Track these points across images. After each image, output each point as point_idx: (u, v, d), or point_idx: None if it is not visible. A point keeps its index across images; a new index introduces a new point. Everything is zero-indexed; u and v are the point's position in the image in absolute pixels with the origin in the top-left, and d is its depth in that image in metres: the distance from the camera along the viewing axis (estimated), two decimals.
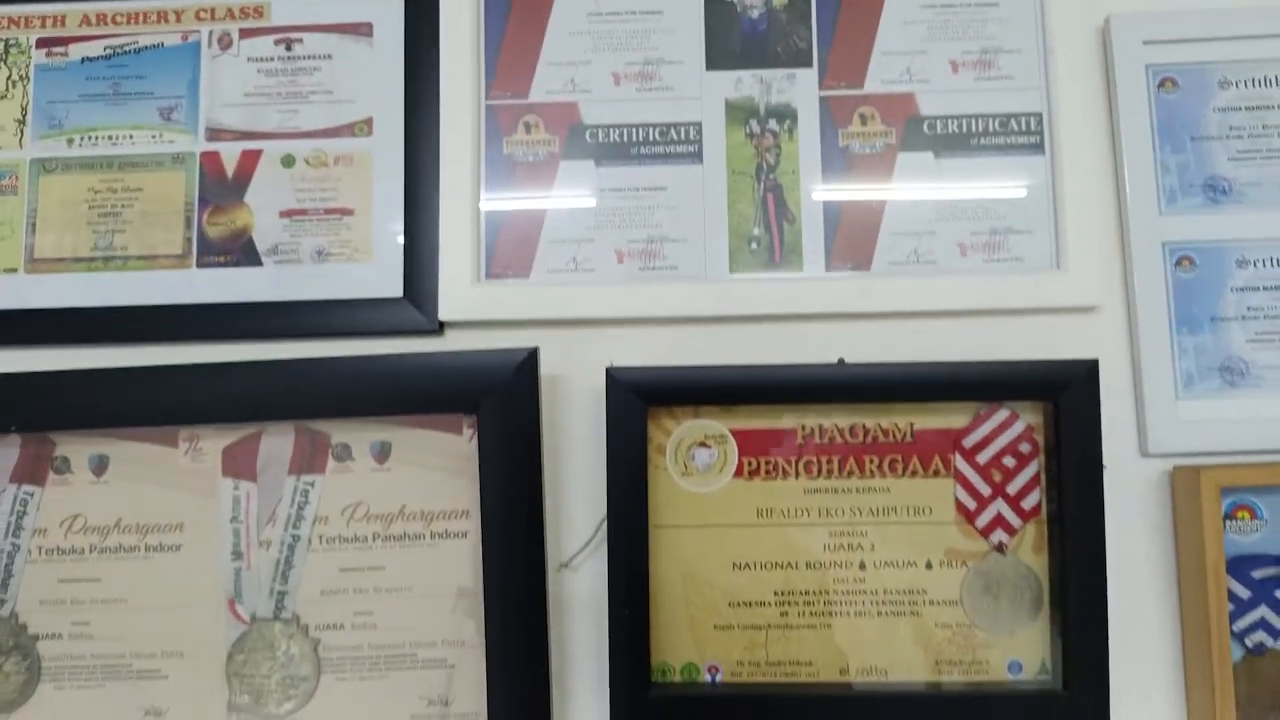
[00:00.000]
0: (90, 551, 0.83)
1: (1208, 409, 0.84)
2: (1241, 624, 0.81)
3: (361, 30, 0.91)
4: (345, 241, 0.88)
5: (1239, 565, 0.81)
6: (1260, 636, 0.81)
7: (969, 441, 0.83)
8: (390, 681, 0.82)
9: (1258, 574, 0.81)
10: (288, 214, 0.88)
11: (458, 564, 0.83)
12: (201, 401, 0.81)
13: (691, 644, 0.83)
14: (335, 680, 0.82)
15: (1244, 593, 0.81)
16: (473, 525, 0.82)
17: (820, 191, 0.87)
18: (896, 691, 0.81)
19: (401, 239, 0.87)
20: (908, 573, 0.83)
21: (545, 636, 0.80)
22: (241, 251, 0.88)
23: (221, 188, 0.89)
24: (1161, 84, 0.88)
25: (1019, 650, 0.82)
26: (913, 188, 0.87)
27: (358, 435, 0.83)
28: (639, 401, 0.81)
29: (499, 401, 0.80)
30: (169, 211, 0.89)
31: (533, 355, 0.80)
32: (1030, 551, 0.83)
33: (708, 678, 0.83)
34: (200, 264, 0.88)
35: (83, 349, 0.86)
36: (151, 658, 0.83)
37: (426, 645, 0.82)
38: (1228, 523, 0.81)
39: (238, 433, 0.84)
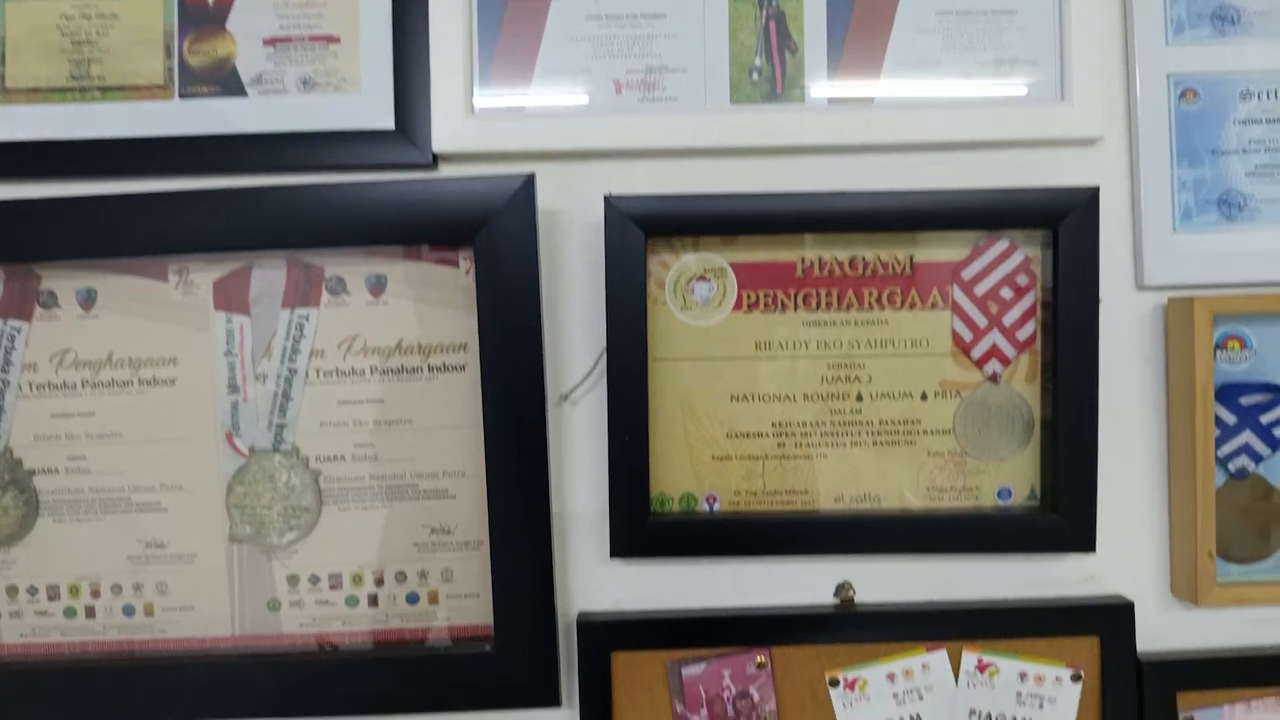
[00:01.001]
0: (82, 386, 0.82)
1: (1205, 242, 0.84)
2: (1226, 449, 0.83)
3: None
4: (332, 71, 0.84)
5: (1227, 393, 0.83)
6: (1243, 461, 0.83)
7: (967, 273, 0.83)
8: (393, 511, 0.83)
9: (1245, 400, 0.83)
10: (271, 41, 0.85)
11: (457, 397, 0.82)
12: (190, 231, 0.79)
13: (690, 474, 0.85)
14: (337, 510, 0.83)
15: (1230, 418, 0.83)
16: (471, 359, 0.82)
17: (823, 21, 0.85)
18: (889, 516, 0.84)
19: (391, 68, 0.85)
20: (903, 403, 0.84)
21: (545, 467, 0.81)
22: (225, 81, 0.85)
23: (201, 14, 0.85)
24: None
25: (1008, 477, 0.85)
26: (918, 18, 0.85)
27: (352, 268, 0.82)
28: (638, 231, 0.80)
29: (496, 230, 0.79)
30: (147, 40, 0.85)
31: (529, 182, 0.79)
32: (1023, 381, 0.84)
33: (705, 507, 0.84)
34: (183, 94, 0.85)
35: (63, 183, 0.83)
36: (150, 491, 0.83)
37: (427, 476, 0.83)
38: (1218, 352, 0.83)
39: (228, 265, 0.82)
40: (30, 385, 0.82)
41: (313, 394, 0.82)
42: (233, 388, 0.82)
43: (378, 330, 0.82)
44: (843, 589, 0.85)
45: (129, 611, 0.84)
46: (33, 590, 0.84)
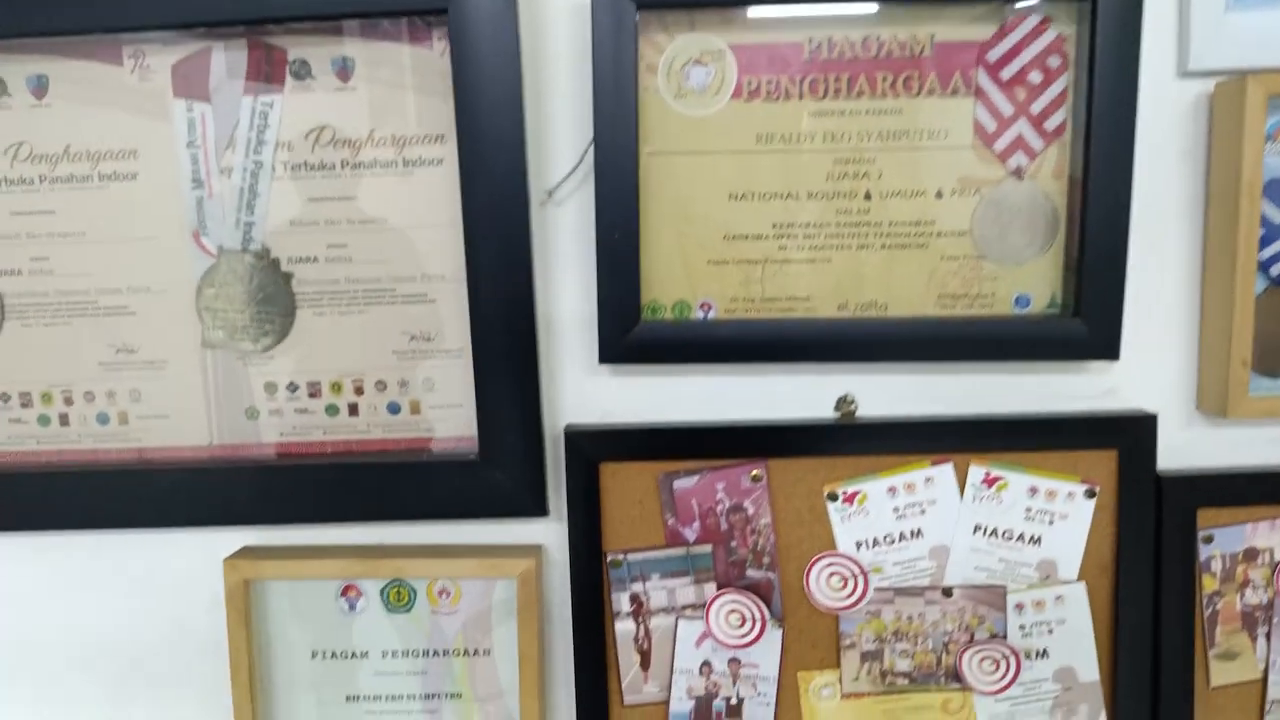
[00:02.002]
0: (40, 182, 0.78)
1: (1261, 21, 0.75)
2: (1268, 252, 0.76)
3: None
4: None
5: (1274, 189, 0.76)
6: None
7: (993, 54, 0.75)
8: (370, 316, 0.79)
9: None
10: None
11: (434, 194, 0.77)
12: (144, 6, 0.73)
13: (684, 280, 0.79)
14: (313, 315, 0.79)
15: (1277, 216, 0.76)
16: (449, 152, 0.76)
17: None
18: (897, 323, 0.79)
19: None
20: (916, 202, 0.77)
21: (529, 269, 0.76)
22: None
23: None
24: None
25: (1027, 283, 0.79)
26: None
27: (316, 50, 0.75)
28: (629, 7, 0.73)
29: (470, 2, 0.72)
30: None
31: None
32: (1049, 177, 0.77)
33: (700, 314, 0.79)
34: None
35: None
36: (117, 293, 0.79)
37: (405, 280, 0.78)
38: (1268, 144, 0.75)
39: (186, 48, 0.75)
40: None
41: (281, 190, 0.77)
42: (197, 182, 0.77)
43: (347, 120, 0.76)
44: (844, 403, 0.81)
45: (103, 420, 0.81)
46: (4, 397, 0.81)
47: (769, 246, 0.78)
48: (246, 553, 0.81)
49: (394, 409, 0.81)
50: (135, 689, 0.86)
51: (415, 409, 0.81)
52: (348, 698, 0.82)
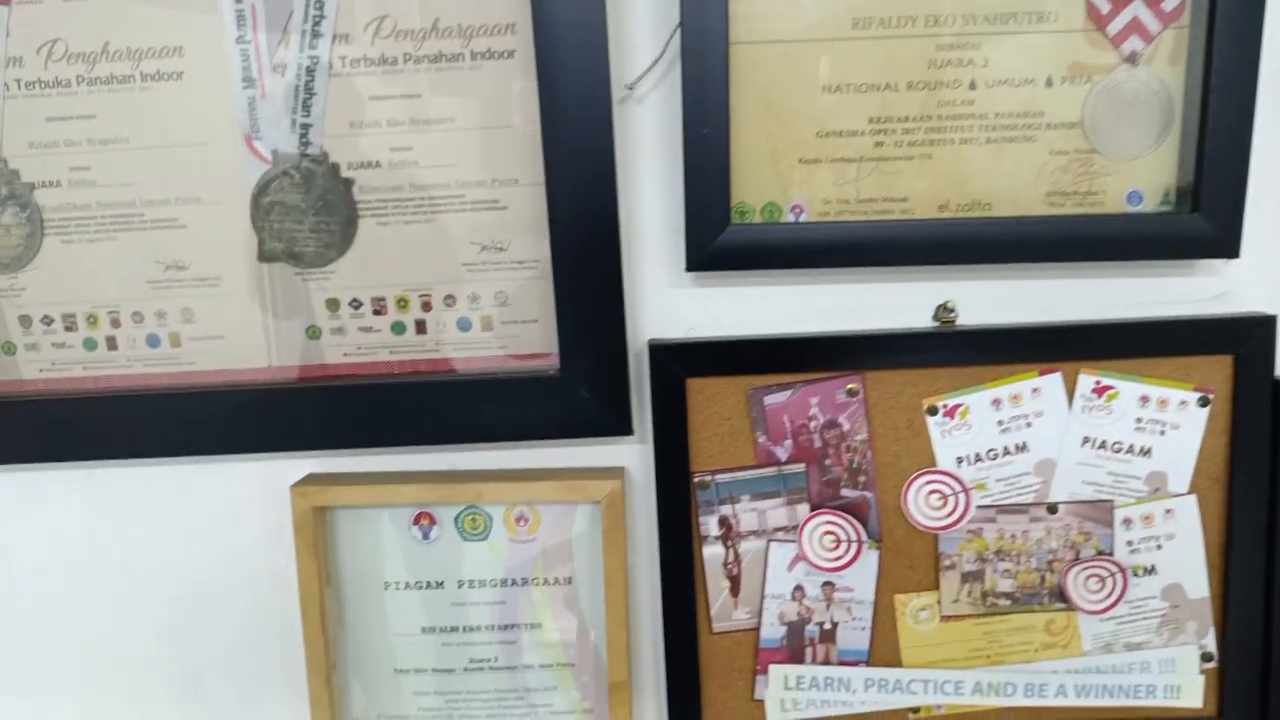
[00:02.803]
0: (78, 84, 0.71)
1: None
2: None
3: None
4: None
5: None
6: None
7: None
8: (437, 226, 0.74)
9: None
10: None
11: (506, 90, 0.71)
12: None
13: (773, 181, 0.74)
14: (376, 225, 0.73)
15: None
16: (520, 42, 0.71)
17: None
18: (1001, 223, 0.73)
19: None
20: (1024, 91, 0.72)
21: (612, 171, 0.71)
22: None
23: None
24: None
25: (1140, 178, 0.73)
26: None
27: None
28: None
29: None
30: None
31: None
32: (1166, 63, 0.71)
33: (791, 217, 0.75)
34: None
35: None
36: (164, 205, 0.73)
37: (475, 185, 0.73)
38: None
39: None
40: (19, 84, 0.71)
41: (339, 88, 0.71)
42: (248, 81, 0.71)
43: (410, 8, 0.70)
44: (944, 310, 0.76)
45: (153, 342, 0.76)
46: (47, 320, 0.76)
47: (864, 144, 0.73)
48: (313, 480, 0.77)
49: (464, 325, 0.76)
50: (196, 625, 0.81)
51: (487, 325, 0.76)
52: (423, 629, 0.78)
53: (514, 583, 0.78)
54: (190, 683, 0.83)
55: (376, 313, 0.75)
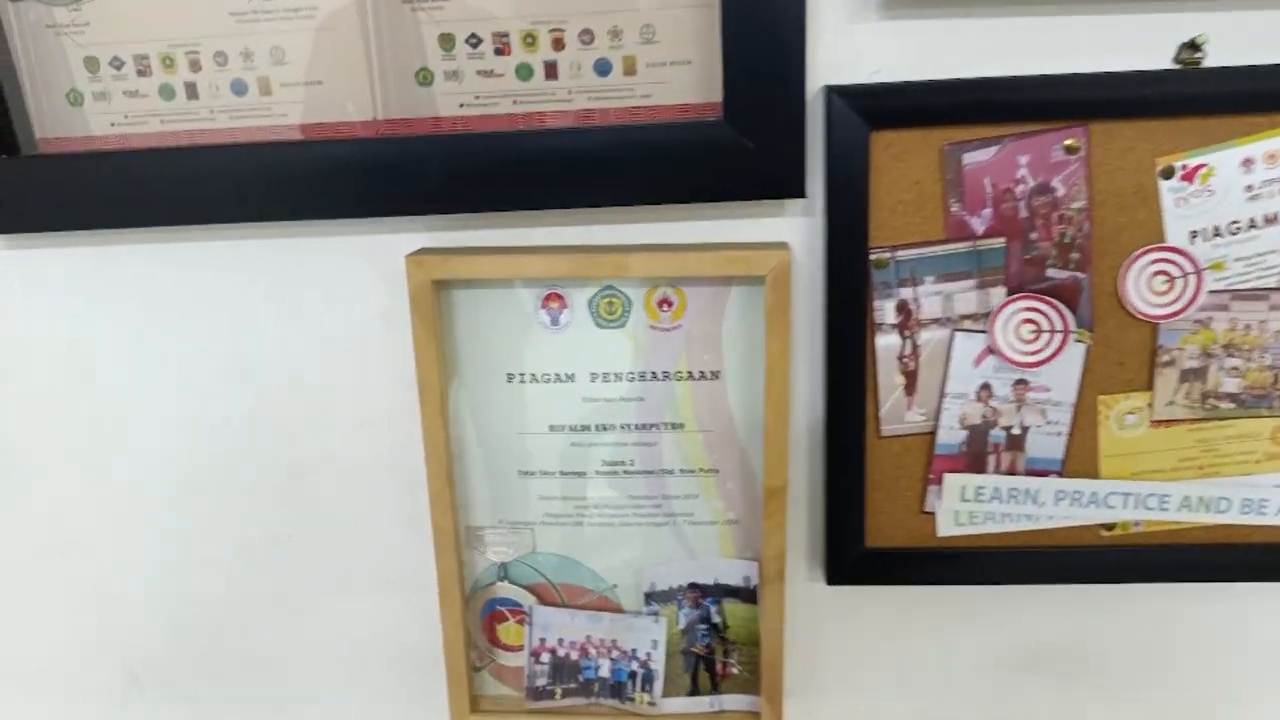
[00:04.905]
0: None
1: None
2: None
3: None
4: None
5: None
6: None
7: None
8: None
9: None
10: None
11: None
12: None
13: None
14: None
15: None
16: None
17: None
18: None
19: None
20: None
21: None
22: None
23: None
24: None
25: None
26: None
27: None
28: None
29: None
30: None
31: None
32: None
33: None
34: None
35: None
36: None
37: None
38: None
39: None
40: None
41: None
42: None
43: None
44: (1190, 46, 0.63)
45: (239, 89, 0.65)
46: (117, 63, 0.65)
47: None
48: (426, 252, 0.67)
49: (603, 68, 0.63)
50: (294, 417, 0.73)
51: (630, 68, 0.63)
52: (550, 427, 0.69)
53: (654, 376, 0.68)
54: (289, 478, 0.75)
55: (498, 52, 0.63)
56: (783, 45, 0.60)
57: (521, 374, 0.69)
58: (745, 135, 0.61)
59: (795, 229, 0.66)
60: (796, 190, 0.62)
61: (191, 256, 0.70)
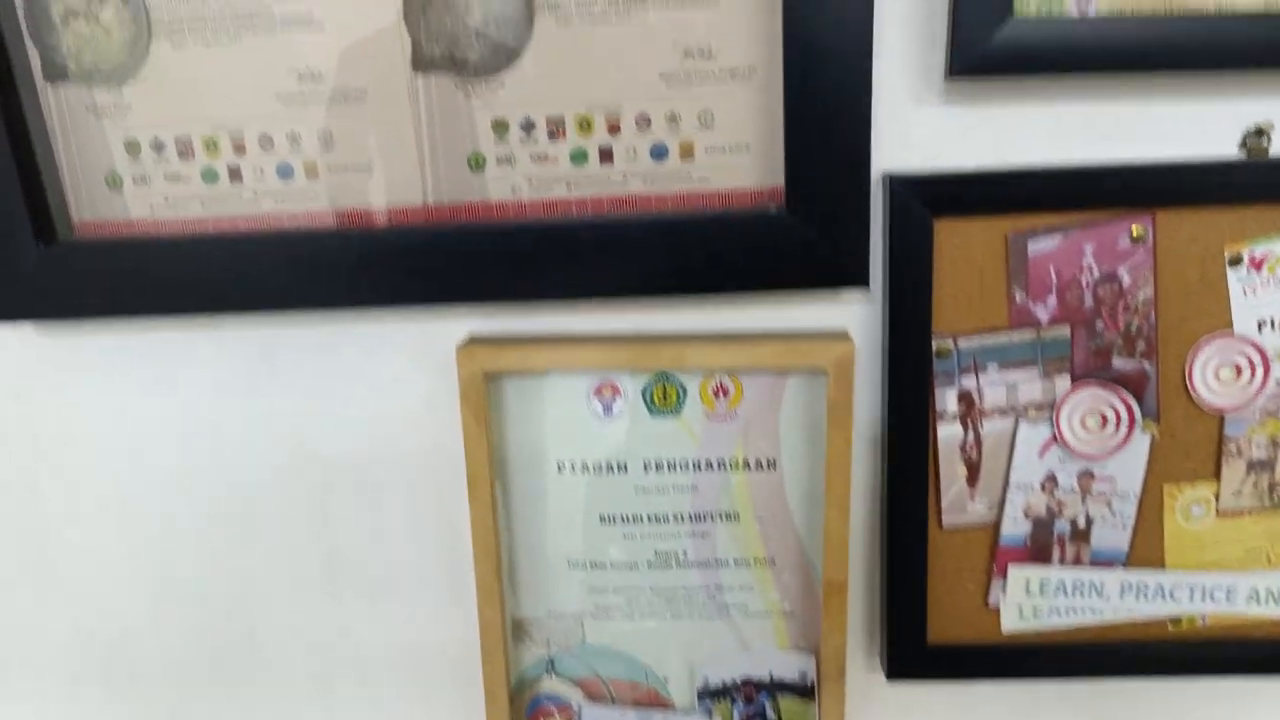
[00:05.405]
0: None
1: None
2: None
3: None
4: None
5: None
6: None
7: None
8: (630, 27, 0.58)
9: None
10: None
11: None
12: None
13: None
14: (555, 25, 0.59)
15: None
16: None
17: None
18: None
19: None
20: None
21: None
22: None
23: None
24: None
25: None
26: None
27: None
28: None
29: None
30: None
31: None
32: None
33: (1073, 10, 0.60)
34: None
35: None
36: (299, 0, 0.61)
37: None
38: None
39: None
40: None
41: None
42: None
43: None
44: (1256, 135, 0.62)
45: (285, 173, 0.64)
46: (158, 145, 0.63)
47: None
48: (478, 342, 0.66)
49: (659, 153, 0.63)
50: (340, 506, 0.71)
51: (687, 153, 0.62)
52: (602, 518, 0.67)
53: (709, 466, 0.66)
54: (334, 570, 0.73)
55: (552, 137, 0.62)
56: (847, 131, 0.58)
57: (572, 463, 0.66)
58: (808, 224, 0.60)
59: (853, 315, 0.65)
60: (860, 280, 0.61)
61: (231, 346, 0.67)
